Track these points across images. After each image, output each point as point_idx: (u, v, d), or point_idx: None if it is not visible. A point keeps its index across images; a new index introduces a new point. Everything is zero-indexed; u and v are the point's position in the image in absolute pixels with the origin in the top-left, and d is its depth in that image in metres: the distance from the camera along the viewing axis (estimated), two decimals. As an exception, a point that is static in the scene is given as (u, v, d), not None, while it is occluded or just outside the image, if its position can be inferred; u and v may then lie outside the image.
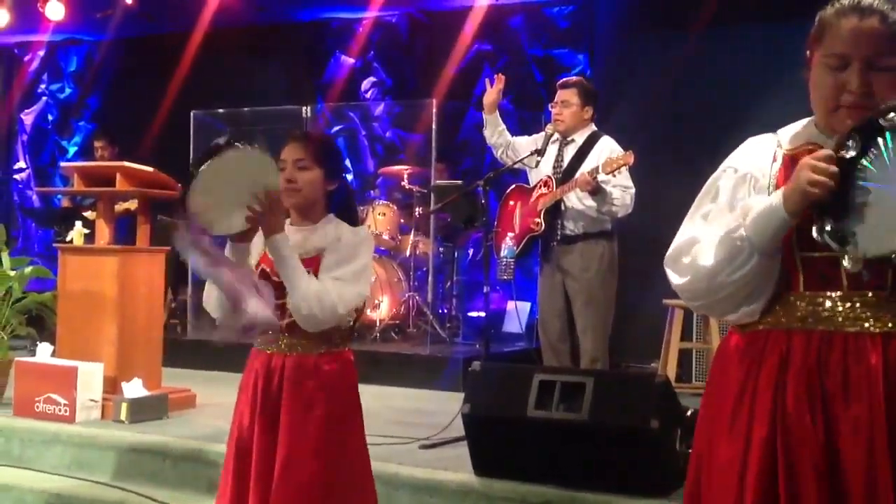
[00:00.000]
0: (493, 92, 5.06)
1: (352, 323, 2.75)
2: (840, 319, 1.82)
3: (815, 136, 1.93)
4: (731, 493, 1.85)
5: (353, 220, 2.78)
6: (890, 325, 1.80)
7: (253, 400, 2.70)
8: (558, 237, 4.81)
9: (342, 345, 2.73)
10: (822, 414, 1.79)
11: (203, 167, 2.53)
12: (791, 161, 1.90)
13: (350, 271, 2.62)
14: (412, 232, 7.29)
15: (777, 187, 1.89)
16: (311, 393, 2.65)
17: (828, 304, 1.84)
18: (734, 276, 1.85)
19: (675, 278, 1.99)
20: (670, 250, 2.02)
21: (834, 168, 1.72)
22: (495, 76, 5.13)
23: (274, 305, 2.60)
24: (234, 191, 2.56)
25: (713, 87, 7.05)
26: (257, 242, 2.70)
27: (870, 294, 1.82)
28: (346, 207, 2.79)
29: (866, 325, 1.81)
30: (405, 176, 7.41)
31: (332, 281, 2.59)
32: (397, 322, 7.19)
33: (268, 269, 2.68)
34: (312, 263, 2.63)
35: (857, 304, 1.82)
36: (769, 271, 1.86)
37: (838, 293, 1.83)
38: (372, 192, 7.90)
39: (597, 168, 4.58)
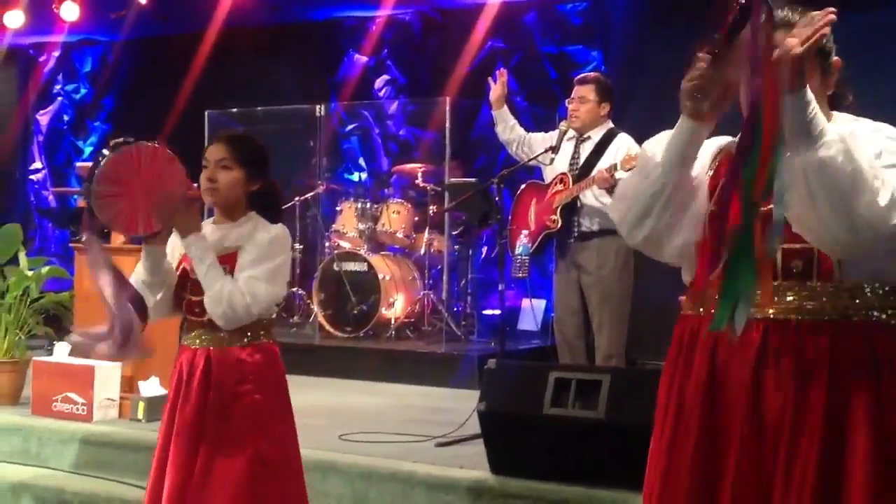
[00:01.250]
0: (497, 87, 5.08)
1: (274, 316, 2.84)
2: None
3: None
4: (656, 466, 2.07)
5: (275, 219, 2.82)
6: (770, 311, 1.96)
7: (176, 394, 2.76)
8: (574, 234, 4.80)
9: (265, 337, 2.79)
10: (707, 390, 2.00)
11: (99, 164, 2.57)
12: (726, 157, 2.10)
13: (265, 270, 2.68)
14: (426, 230, 7.29)
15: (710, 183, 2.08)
16: (235, 385, 2.71)
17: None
18: (643, 185, 2.03)
19: (611, 214, 2.21)
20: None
21: (705, 55, 1.94)
22: (497, 72, 5.15)
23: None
24: (144, 191, 2.60)
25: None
26: (177, 242, 2.75)
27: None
28: (269, 207, 2.84)
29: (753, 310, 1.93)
30: (419, 174, 7.41)
31: (246, 280, 2.65)
32: (412, 320, 7.20)
33: (188, 268, 2.74)
34: (229, 260, 2.70)
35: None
36: (679, 190, 2.01)
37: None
38: (386, 190, 7.90)
39: (615, 165, 4.56)
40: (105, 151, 2.60)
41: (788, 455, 1.90)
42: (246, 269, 2.67)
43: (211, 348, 2.73)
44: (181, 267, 2.78)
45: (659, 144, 2.06)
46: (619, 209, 2.13)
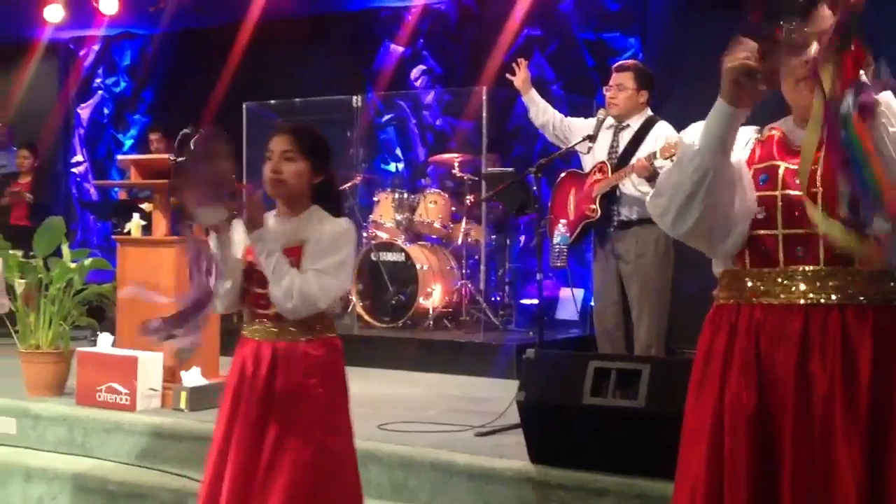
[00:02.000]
0: (519, 74, 5.10)
1: (339, 311, 2.80)
2: (777, 292, 2.03)
3: (788, 126, 2.10)
4: (699, 455, 2.10)
5: (338, 212, 2.82)
6: (812, 296, 1.99)
7: (239, 385, 2.75)
8: (614, 223, 4.76)
9: (328, 331, 2.79)
10: (756, 380, 2.01)
11: (185, 160, 2.60)
12: (759, 144, 2.13)
13: (331, 263, 2.67)
14: (463, 220, 7.29)
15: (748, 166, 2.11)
16: (300, 379, 2.71)
17: (767, 279, 2.05)
18: (684, 174, 2.03)
19: (648, 197, 2.21)
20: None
21: (751, 43, 1.95)
22: (514, 64, 5.13)
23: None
24: (209, 180, 2.62)
25: (769, 69, 6.93)
26: (242, 235, 2.74)
27: (802, 268, 2.01)
28: (332, 199, 2.84)
29: (794, 296, 2.02)
30: (456, 164, 7.40)
31: (313, 273, 2.64)
32: (450, 310, 7.20)
33: (253, 261, 2.73)
34: (294, 253, 2.69)
35: (791, 278, 2.02)
36: (720, 178, 2.02)
37: (777, 269, 2.04)
38: (423, 180, 7.91)
39: (654, 153, 4.52)
40: (187, 142, 2.62)
41: (844, 429, 1.92)
42: (313, 261, 2.66)
43: (277, 342, 2.73)
44: (246, 260, 2.77)
45: (696, 134, 2.06)
46: (658, 203, 2.12)
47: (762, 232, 2.06)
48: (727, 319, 2.11)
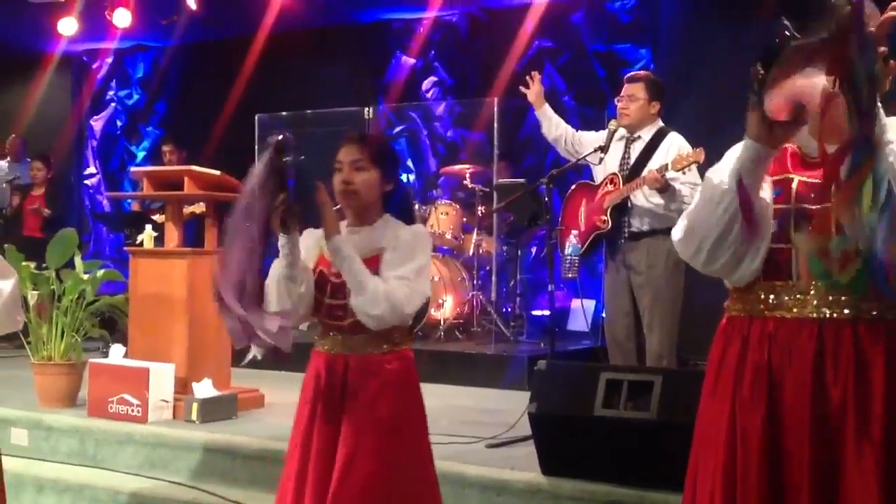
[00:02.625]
0: (533, 87, 5.09)
1: (412, 322, 2.74)
2: (790, 305, 2.03)
3: (803, 138, 2.07)
4: (712, 467, 2.09)
5: (410, 219, 2.78)
6: (824, 310, 1.99)
7: (314, 399, 2.70)
8: (625, 234, 4.75)
9: (402, 343, 2.73)
10: (768, 392, 2.01)
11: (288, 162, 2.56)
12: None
13: (412, 269, 2.61)
14: (475, 231, 7.29)
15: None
16: (375, 392, 2.65)
17: (779, 292, 2.04)
18: (715, 216, 2.00)
19: (675, 237, 2.17)
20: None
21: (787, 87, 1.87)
22: (528, 77, 5.12)
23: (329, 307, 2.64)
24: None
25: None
26: (311, 245, 2.70)
27: (815, 282, 2.00)
28: (403, 207, 2.79)
29: (806, 310, 2.01)
30: (467, 175, 7.41)
31: (396, 280, 2.58)
32: (461, 321, 7.20)
33: (326, 271, 2.68)
34: (371, 263, 2.62)
35: (804, 292, 2.02)
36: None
37: (789, 282, 2.03)
38: (434, 191, 7.91)
39: (665, 165, 4.51)
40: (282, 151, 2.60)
41: (857, 441, 1.93)
42: (393, 269, 2.60)
43: (351, 354, 2.68)
44: (318, 270, 2.71)
45: (722, 172, 2.02)
46: (691, 243, 2.09)
47: (775, 245, 2.05)
48: (739, 331, 2.10)
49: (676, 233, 2.15)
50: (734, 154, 2.04)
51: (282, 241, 2.61)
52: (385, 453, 2.63)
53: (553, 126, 5.09)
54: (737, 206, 1.98)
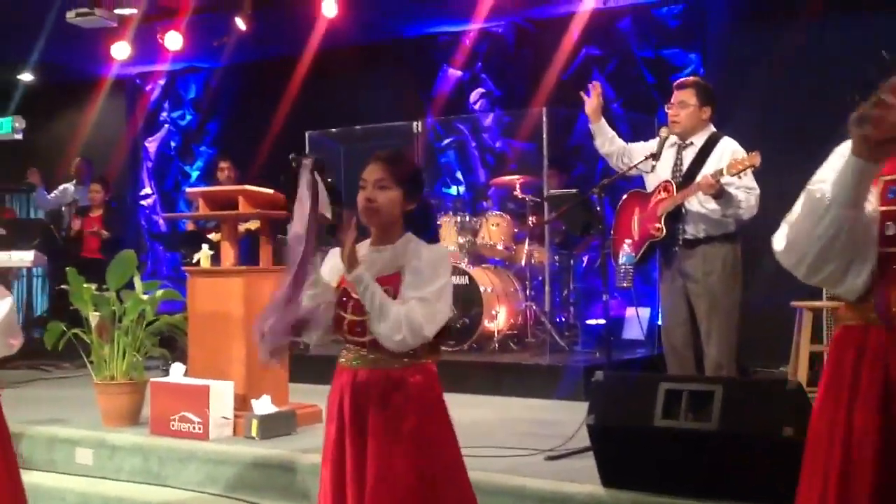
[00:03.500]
0: (592, 99, 4.99)
1: (434, 336, 2.75)
2: None
3: None
4: (823, 477, 2.03)
5: (432, 238, 2.81)
6: None
7: (340, 416, 2.74)
8: (680, 242, 4.70)
9: (425, 357, 2.76)
10: (884, 404, 1.94)
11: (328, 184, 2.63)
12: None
13: (433, 290, 2.64)
14: (526, 241, 7.28)
15: None
16: (400, 406, 2.68)
17: None
18: (817, 230, 1.93)
19: (776, 246, 2.08)
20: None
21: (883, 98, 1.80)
22: (590, 85, 5.07)
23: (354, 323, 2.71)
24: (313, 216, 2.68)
25: (834, 78, 6.81)
26: (336, 264, 2.74)
27: None
28: (425, 227, 2.82)
29: None
30: (517, 185, 7.40)
31: (416, 301, 2.61)
32: (515, 332, 7.18)
33: (348, 289, 2.72)
34: (392, 281, 2.66)
35: None
36: (855, 231, 1.92)
37: None
38: (484, 202, 7.92)
39: (720, 170, 4.46)
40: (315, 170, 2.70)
41: None
42: (414, 289, 2.64)
43: (373, 369, 2.72)
44: (341, 287, 2.76)
45: (825, 183, 1.95)
46: (793, 256, 2.02)
47: (891, 249, 1.96)
48: (854, 341, 2.02)
49: (778, 243, 2.07)
50: (834, 164, 1.96)
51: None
52: (415, 466, 2.66)
53: (608, 141, 5.02)
54: (840, 223, 1.90)
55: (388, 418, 2.67)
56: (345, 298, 2.73)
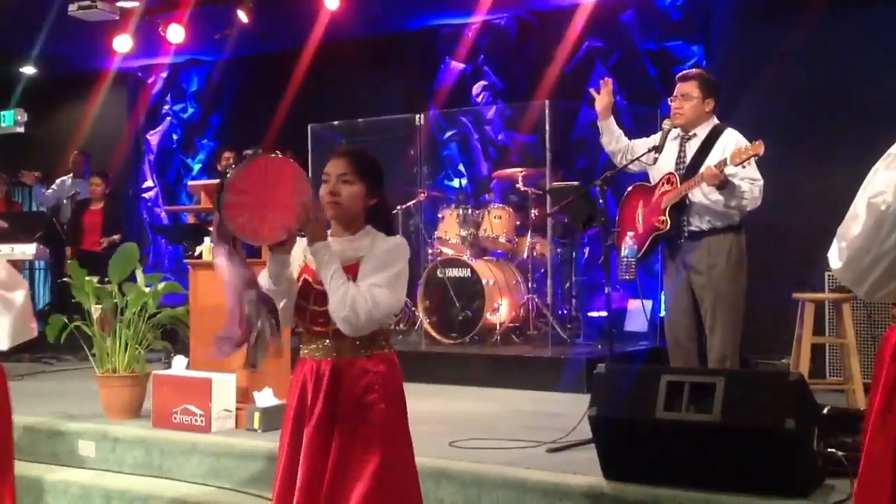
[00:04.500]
0: (603, 96, 4.96)
1: (392, 325, 2.80)
2: None
3: None
4: (883, 486, 1.90)
5: (390, 231, 2.87)
6: None
7: (301, 405, 2.79)
8: (684, 234, 4.68)
9: (386, 347, 2.83)
10: None
11: (229, 175, 2.66)
12: None
13: (385, 277, 2.71)
14: (529, 234, 7.27)
15: None
16: (361, 396, 2.74)
17: None
18: (886, 243, 1.82)
19: (834, 264, 1.98)
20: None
21: None
22: (601, 81, 5.05)
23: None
24: (270, 201, 2.69)
25: (838, 71, 6.81)
26: (297, 254, 2.80)
27: None
28: (384, 220, 2.90)
29: None
30: (520, 178, 7.39)
31: (368, 286, 2.68)
32: (517, 325, 7.18)
33: (310, 279, 2.78)
34: (351, 271, 2.73)
35: None
36: None
37: None
38: (487, 195, 7.91)
39: (724, 161, 4.44)
40: (233, 164, 2.73)
41: None
42: (368, 276, 2.71)
43: (335, 359, 2.77)
44: (302, 278, 2.83)
45: (887, 193, 1.88)
46: (854, 273, 1.93)
47: None
48: None
49: (834, 260, 1.98)
50: (887, 176, 1.89)
51: (269, 258, 2.75)
52: (376, 453, 2.71)
53: (614, 140, 5.00)
54: None
55: (352, 408, 2.73)
56: (308, 289, 2.79)
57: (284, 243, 2.73)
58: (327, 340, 2.78)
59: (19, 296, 3.29)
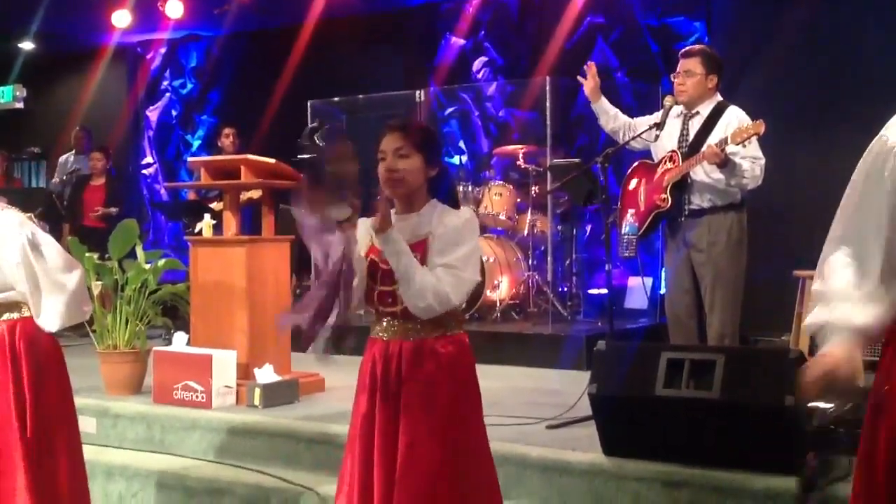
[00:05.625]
0: (588, 81, 4.98)
1: (465, 306, 2.75)
2: None
3: None
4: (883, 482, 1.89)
5: (456, 203, 2.79)
6: None
7: (372, 386, 2.73)
8: (685, 212, 4.68)
9: (457, 328, 2.76)
10: None
11: (311, 157, 2.60)
12: None
13: (459, 257, 2.63)
14: (529, 211, 7.26)
15: None
16: (431, 376, 2.68)
17: None
18: None
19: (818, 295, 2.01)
20: (822, 258, 2.04)
21: None
22: (585, 67, 5.04)
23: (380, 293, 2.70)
24: (337, 180, 2.61)
25: (840, 49, 6.77)
26: (363, 233, 2.72)
27: None
28: (448, 191, 2.80)
29: None
30: (520, 155, 7.37)
31: (443, 269, 2.61)
32: (518, 302, 7.18)
33: (376, 259, 2.71)
34: (419, 248, 2.66)
35: None
36: None
37: None
38: (487, 172, 7.89)
39: (725, 139, 4.42)
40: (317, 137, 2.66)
41: None
42: (441, 256, 2.63)
43: (405, 340, 2.72)
44: (369, 258, 2.74)
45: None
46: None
47: None
48: None
49: (825, 294, 2.00)
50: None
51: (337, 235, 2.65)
52: (445, 437, 2.66)
53: (611, 119, 4.99)
54: None
55: (421, 389, 2.67)
56: (374, 269, 2.71)
57: (350, 220, 2.62)
58: (396, 321, 2.71)
59: (74, 277, 3.42)
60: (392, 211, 2.74)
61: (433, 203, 2.75)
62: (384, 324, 2.74)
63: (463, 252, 2.64)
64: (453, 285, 2.60)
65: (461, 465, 2.68)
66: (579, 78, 5.05)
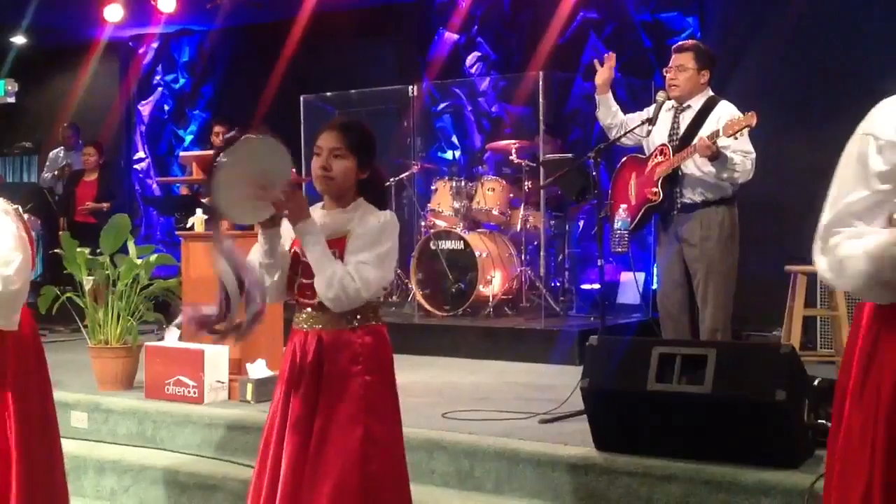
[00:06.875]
0: (605, 70, 4.93)
1: (381, 299, 2.85)
2: None
3: None
4: (862, 462, 1.87)
5: (382, 205, 2.86)
6: None
7: (290, 376, 2.80)
8: (677, 206, 4.68)
9: (374, 319, 2.82)
10: None
11: (219, 163, 2.62)
12: None
13: (374, 255, 2.71)
14: (522, 206, 7.26)
15: None
16: (347, 366, 2.75)
17: None
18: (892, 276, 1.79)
19: (825, 272, 1.94)
20: (817, 237, 1.96)
21: None
22: (605, 56, 5.02)
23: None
24: (254, 181, 2.64)
25: (833, 43, 6.78)
26: (287, 227, 2.77)
27: None
28: (376, 193, 2.88)
29: None
30: (513, 150, 7.37)
31: (356, 264, 2.68)
32: (510, 297, 7.19)
33: (299, 252, 2.78)
34: (339, 245, 2.73)
35: None
36: None
37: None
38: (480, 167, 7.88)
39: (717, 132, 4.43)
40: (223, 141, 2.69)
41: None
42: (356, 253, 2.71)
43: (322, 330, 2.78)
44: (292, 250, 2.83)
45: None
46: (885, 294, 1.87)
47: None
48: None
49: (831, 268, 1.92)
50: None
51: (261, 234, 2.74)
52: (357, 425, 2.72)
53: (611, 114, 4.97)
54: None
55: (336, 378, 2.74)
56: (297, 261, 2.80)
57: (273, 220, 2.71)
58: (314, 312, 2.79)
59: (7, 270, 3.10)
60: (319, 205, 2.83)
61: (359, 202, 2.82)
62: (304, 315, 2.82)
63: (378, 251, 2.72)
64: (364, 280, 2.67)
65: (376, 454, 2.74)
66: (596, 63, 5.01)
